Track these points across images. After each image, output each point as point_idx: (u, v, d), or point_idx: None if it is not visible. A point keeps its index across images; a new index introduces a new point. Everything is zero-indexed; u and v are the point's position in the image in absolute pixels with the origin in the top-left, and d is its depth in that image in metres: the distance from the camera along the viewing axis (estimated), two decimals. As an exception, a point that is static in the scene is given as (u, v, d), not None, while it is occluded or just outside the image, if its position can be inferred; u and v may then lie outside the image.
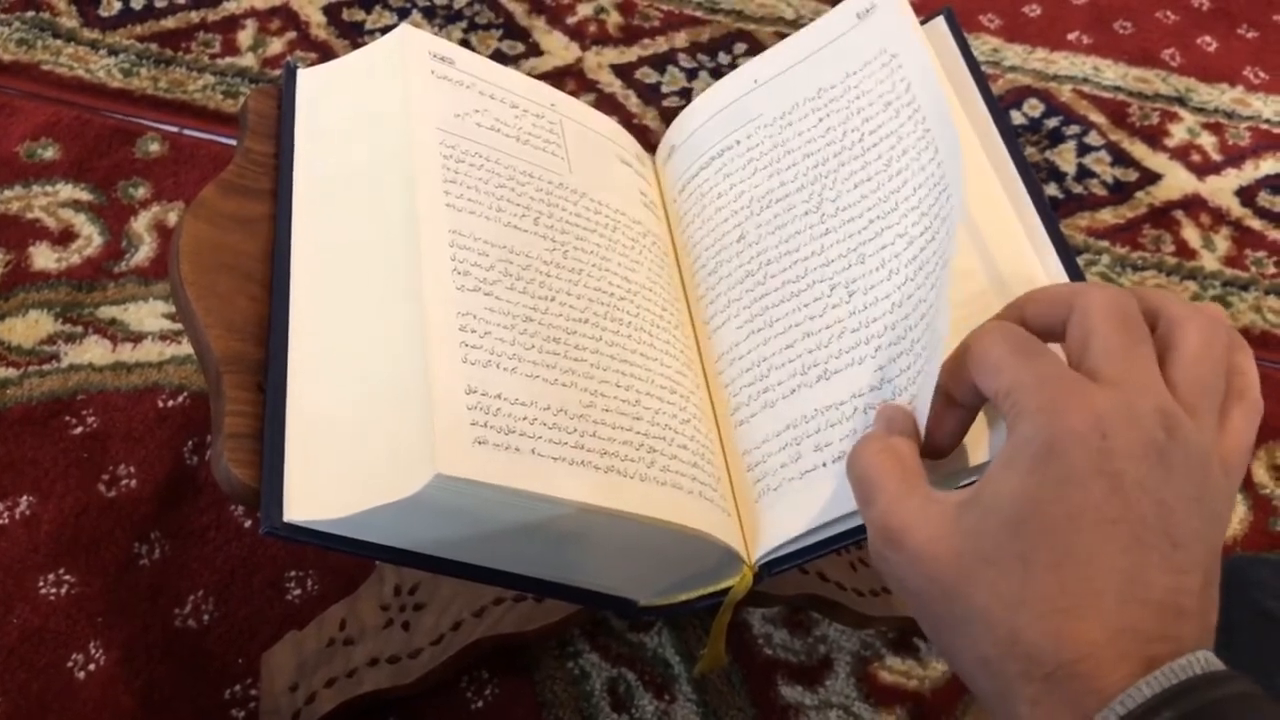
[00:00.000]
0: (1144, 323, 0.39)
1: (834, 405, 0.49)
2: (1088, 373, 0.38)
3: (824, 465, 0.48)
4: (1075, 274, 0.49)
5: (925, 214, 0.49)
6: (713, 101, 0.60)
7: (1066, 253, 0.49)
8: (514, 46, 1.10)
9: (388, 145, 0.54)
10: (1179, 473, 0.36)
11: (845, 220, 0.53)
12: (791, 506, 0.48)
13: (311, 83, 0.58)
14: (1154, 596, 0.35)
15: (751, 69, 0.59)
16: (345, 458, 0.45)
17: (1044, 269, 0.49)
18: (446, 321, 0.47)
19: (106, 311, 0.86)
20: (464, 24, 1.12)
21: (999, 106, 0.54)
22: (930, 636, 0.40)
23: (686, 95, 1.07)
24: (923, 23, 0.58)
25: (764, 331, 0.52)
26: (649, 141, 1.01)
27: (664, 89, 1.08)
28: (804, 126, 0.56)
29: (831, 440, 0.48)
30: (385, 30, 1.10)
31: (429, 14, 1.12)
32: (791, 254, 0.53)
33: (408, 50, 0.57)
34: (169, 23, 1.08)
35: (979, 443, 0.44)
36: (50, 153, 0.95)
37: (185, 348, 0.84)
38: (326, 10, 1.11)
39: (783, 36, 1.12)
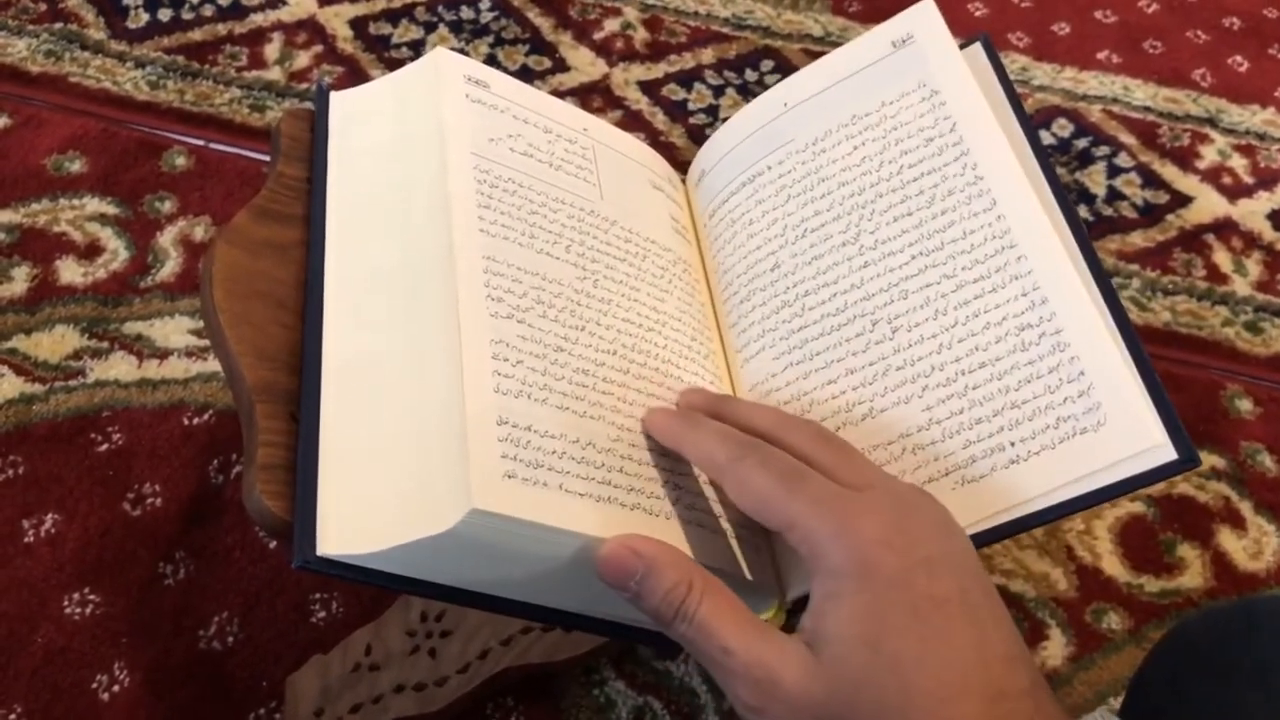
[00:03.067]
0: (824, 427, 0.46)
1: (881, 445, 0.48)
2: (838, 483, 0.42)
3: None
4: (1112, 301, 0.48)
5: (980, 261, 0.49)
6: (742, 125, 0.59)
7: (1102, 278, 0.49)
8: (540, 62, 1.10)
9: (421, 169, 0.53)
10: (956, 533, 0.41)
11: (885, 254, 0.52)
12: None
13: (344, 105, 0.58)
14: (1001, 651, 0.38)
15: (781, 92, 0.58)
16: (378, 490, 0.45)
17: (1092, 299, 0.48)
18: (480, 349, 0.46)
19: (132, 327, 0.86)
20: (490, 39, 1.11)
21: (1035, 132, 0.54)
22: None
23: (713, 112, 1.07)
24: (959, 48, 0.57)
25: (803, 365, 0.52)
26: (676, 159, 1.01)
27: (691, 106, 1.07)
28: (838, 154, 0.55)
29: None
30: (412, 44, 1.10)
31: (455, 28, 1.12)
32: (829, 286, 0.53)
33: (442, 73, 0.56)
34: (196, 35, 1.08)
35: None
36: (77, 165, 0.95)
37: (211, 365, 0.83)
38: (353, 24, 1.11)
39: (810, 53, 1.12)
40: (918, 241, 0.51)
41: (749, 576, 0.47)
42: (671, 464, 0.48)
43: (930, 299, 0.50)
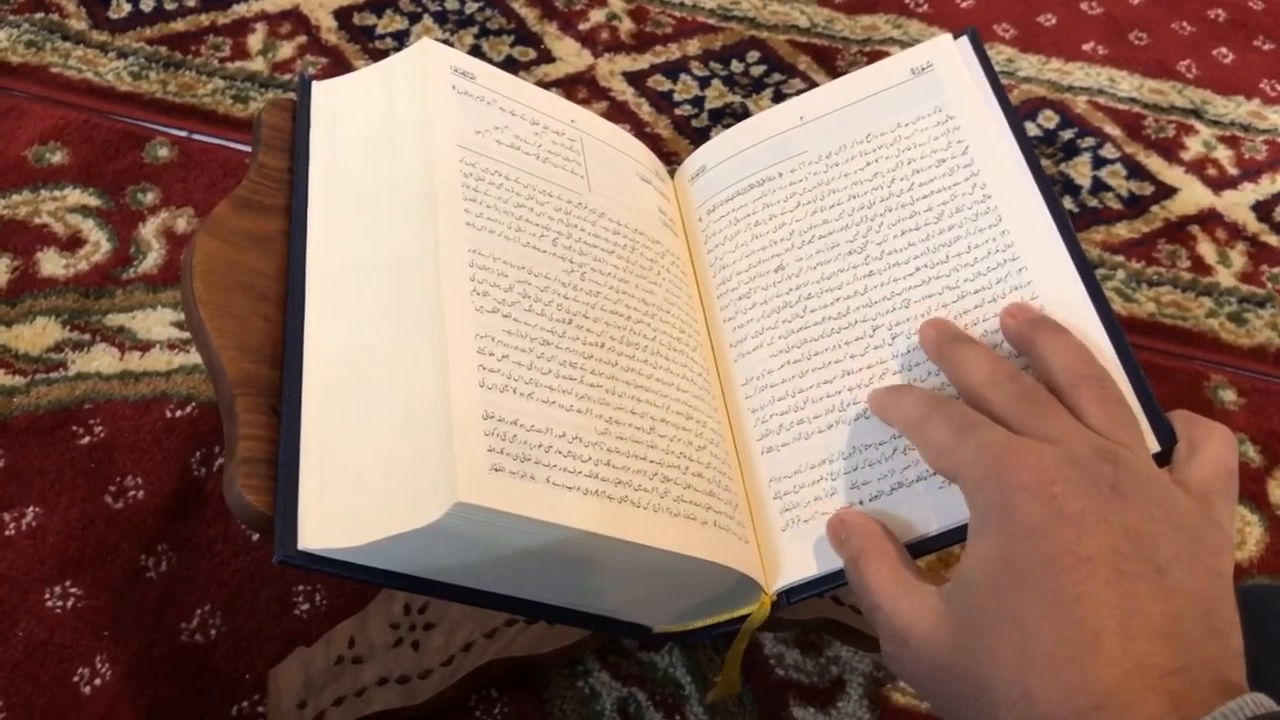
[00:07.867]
0: (1041, 387, 0.43)
1: (874, 444, 0.49)
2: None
3: (860, 504, 0.48)
4: (1096, 292, 0.49)
5: (982, 274, 0.51)
6: (755, 131, 0.61)
7: (1086, 269, 0.50)
8: (525, 53, 1.10)
9: (406, 161, 0.53)
10: (1136, 498, 0.38)
11: (890, 264, 0.53)
12: (824, 543, 0.48)
13: (327, 96, 0.58)
14: (1154, 625, 0.35)
15: (797, 106, 0.60)
16: (361, 484, 0.44)
17: (1081, 292, 0.49)
18: (465, 343, 0.46)
19: (114, 319, 0.85)
20: (475, 29, 1.11)
21: (1020, 124, 0.55)
22: None
23: (699, 103, 1.06)
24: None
25: (801, 364, 0.52)
26: (661, 150, 1.01)
27: (677, 97, 1.07)
28: (851, 168, 0.57)
29: (870, 479, 0.48)
30: (396, 35, 1.09)
31: (440, 19, 1.11)
32: (833, 291, 0.54)
33: (428, 64, 0.56)
34: (179, 25, 1.08)
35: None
36: (58, 157, 0.95)
37: (193, 357, 0.83)
38: (337, 14, 1.11)
39: (796, 44, 1.12)
40: (923, 254, 0.53)
41: (734, 569, 0.47)
42: (659, 456, 0.48)
43: (932, 309, 0.51)
